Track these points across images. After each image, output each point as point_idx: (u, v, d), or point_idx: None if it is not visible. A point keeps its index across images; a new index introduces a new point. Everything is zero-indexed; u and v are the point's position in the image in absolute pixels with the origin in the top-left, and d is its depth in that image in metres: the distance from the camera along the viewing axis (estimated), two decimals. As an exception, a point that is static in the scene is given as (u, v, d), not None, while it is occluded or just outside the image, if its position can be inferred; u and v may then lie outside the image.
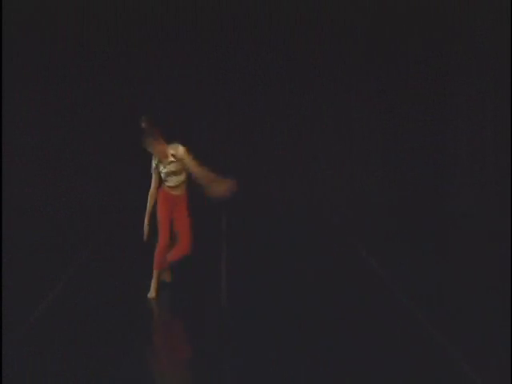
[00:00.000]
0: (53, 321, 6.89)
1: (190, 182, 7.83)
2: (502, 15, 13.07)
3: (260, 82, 14.72)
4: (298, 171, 14.70)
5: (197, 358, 5.89)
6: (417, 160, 14.37)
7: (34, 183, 14.29)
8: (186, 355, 5.93)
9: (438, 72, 14.16)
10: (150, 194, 7.79)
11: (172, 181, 7.75)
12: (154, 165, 7.78)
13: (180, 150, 7.68)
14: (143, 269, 8.06)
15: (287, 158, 14.73)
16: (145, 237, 7.75)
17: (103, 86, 14.61)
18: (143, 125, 7.84)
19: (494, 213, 12.08)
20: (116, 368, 5.67)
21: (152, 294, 7.73)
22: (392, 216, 13.07)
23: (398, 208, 13.67)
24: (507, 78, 12.37)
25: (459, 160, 13.66)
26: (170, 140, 7.77)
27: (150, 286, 7.77)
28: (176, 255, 7.88)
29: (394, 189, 14.42)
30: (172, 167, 7.71)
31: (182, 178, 7.77)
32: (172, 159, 7.69)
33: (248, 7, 14.55)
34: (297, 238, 10.85)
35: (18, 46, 14.26)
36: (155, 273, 7.79)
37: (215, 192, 7.72)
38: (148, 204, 7.78)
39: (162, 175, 7.76)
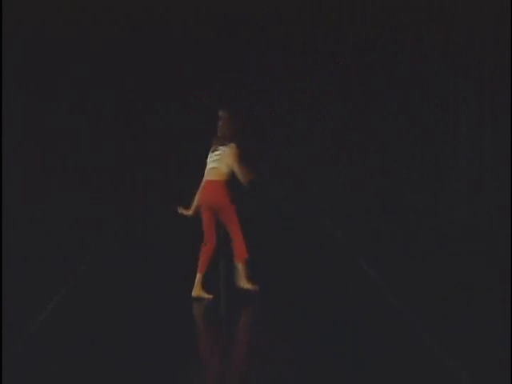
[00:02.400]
0: (54, 326, 6.91)
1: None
2: (502, 15, 13.04)
3: (258, 85, 14.72)
4: (297, 177, 14.71)
5: (195, 366, 5.88)
6: (415, 166, 14.37)
7: (37, 191, 14.34)
8: (184, 363, 5.93)
9: (437, 76, 14.15)
10: None
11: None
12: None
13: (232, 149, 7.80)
14: (144, 274, 8.08)
15: (286, 163, 14.74)
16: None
17: (107, 95, 14.64)
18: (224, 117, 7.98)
19: (492, 219, 12.04)
20: (115, 373, 5.69)
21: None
22: (390, 223, 13.06)
23: (395, 215, 13.67)
24: (507, 80, 12.33)
25: (458, 166, 13.64)
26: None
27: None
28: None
29: (392, 195, 14.42)
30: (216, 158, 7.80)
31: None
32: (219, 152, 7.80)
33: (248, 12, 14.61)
34: (296, 244, 10.87)
35: (19, 49, 14.26)
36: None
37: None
38: None
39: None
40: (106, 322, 6.98)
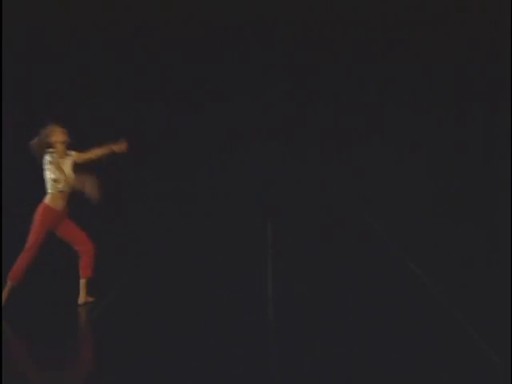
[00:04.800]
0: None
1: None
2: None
3: (303, 82, 14.69)
4: (343, 177, 14.63)
5: (243, 371, 5.81)
6: (465, 162, 14.24)
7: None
8: (230, 367, 5.86)
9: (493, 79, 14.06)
10: None
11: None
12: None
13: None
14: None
15: (332, 164, 14.67)
16: None
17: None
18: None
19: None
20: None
21: None
22: (437, 221, 12.89)
23: (443, 212, 13.50)
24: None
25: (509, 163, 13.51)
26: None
27: None
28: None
29: (440, 193, 14.32)
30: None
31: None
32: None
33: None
34: (344, 247, 10.73)
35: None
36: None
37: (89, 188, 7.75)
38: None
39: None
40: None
